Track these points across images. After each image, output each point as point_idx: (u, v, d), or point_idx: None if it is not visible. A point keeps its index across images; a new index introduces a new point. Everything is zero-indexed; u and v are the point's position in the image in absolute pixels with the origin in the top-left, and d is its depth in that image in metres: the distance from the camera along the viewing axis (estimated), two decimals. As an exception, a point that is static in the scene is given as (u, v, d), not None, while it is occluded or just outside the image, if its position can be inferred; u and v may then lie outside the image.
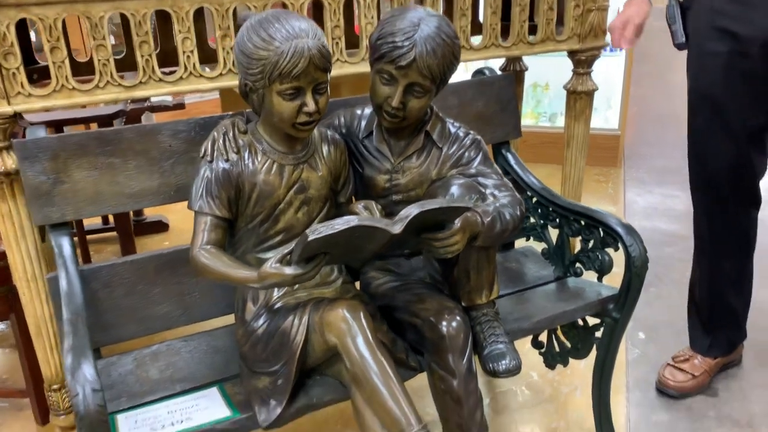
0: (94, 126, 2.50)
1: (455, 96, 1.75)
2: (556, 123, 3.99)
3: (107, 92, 1.63)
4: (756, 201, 1.84)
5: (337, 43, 1.68)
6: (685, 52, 1.82)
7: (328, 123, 1.48)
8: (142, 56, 1.53)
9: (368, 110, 1.48)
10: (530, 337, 1.89)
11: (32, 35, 2.04)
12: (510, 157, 1.84)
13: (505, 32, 1.89)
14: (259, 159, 1.32)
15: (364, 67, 1.66)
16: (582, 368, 2.10)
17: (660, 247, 2.95)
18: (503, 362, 1.35)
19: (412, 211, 1.14)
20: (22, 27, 1.58)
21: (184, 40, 1.55)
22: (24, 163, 1.37)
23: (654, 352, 2.20)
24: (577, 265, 1.71)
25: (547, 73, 3.86)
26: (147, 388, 1.39)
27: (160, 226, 3.20)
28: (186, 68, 1.57)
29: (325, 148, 1.40)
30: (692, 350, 2.02)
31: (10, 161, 1.58)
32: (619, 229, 1.54)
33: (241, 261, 1.32)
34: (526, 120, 3.94)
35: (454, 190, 1.35)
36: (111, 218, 2.97)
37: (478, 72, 1.88)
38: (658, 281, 2.65)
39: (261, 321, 1.33)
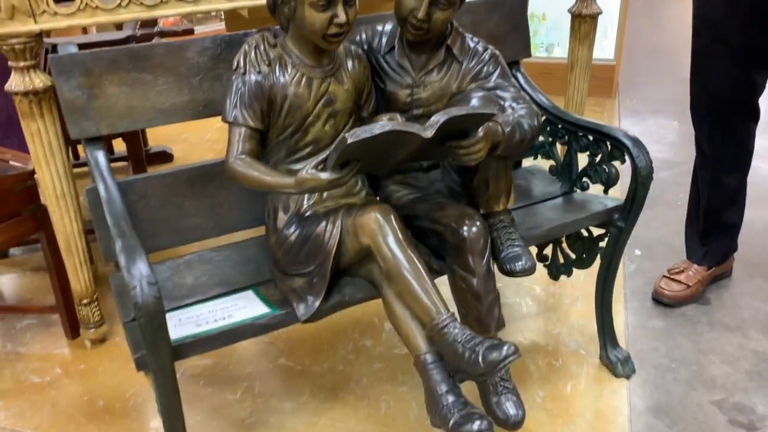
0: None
1: (468, 15, 1.79)
2: (552, 54, 4.03)
3: (129, 11, 1.67)
4: (755, 115, 1.94)
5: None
6: None
7: (350, 39, 1.53)
8: (165, -25, 1.56)
9: (389, 26, 1.53)
10: (535, 252, 1.99)
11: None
12: (519, 76, 1.90)
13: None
14: (289, 71, 1.38)
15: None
16: (582, 281, 2.22)
17: (654, 173, 3.04)
18: (519, 263, 1.45)
19: (442, 116, 1.21)
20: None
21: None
22: (59, 78, 1.41)
23: (649, 266, 2.32)
24: (584, 179, 1.80)
25: (543, 3, 3.87)
26: (185, 293, 1.47)
27: (165, 156, 3.24)
28: (208, -13, 1.61)
29: (349, 63, 1.45)
30: (688, 261, 2.15)
31: (38, 80, 1.63)
32: (627, 142, 1.62)
33: None
34: (523, 51, 3.97)
35: (474, 102, 1.42)
36: (116, 149, 3.01)
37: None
38: (653, 203, 2.76)
39: (293, 228, 1.42)
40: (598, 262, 1.80)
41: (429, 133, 1.20)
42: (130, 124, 1.50)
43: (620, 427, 1.65)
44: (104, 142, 1.51)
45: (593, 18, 2.20)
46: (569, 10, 2.24)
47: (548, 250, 1.96)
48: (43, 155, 1.70)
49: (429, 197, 1.54)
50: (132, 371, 1.87)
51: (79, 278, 1.88)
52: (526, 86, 1.88)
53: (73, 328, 2.00)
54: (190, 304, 1.43)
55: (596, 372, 1.84)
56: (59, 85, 1.42)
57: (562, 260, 1.92)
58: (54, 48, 1.55)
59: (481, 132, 1.31)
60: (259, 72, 1.36)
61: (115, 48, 1.45)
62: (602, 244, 1.77)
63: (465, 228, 1.39)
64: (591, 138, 1.73)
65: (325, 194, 1.45)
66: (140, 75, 1.48)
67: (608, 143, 1.69)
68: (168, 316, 1.38)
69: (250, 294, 1.46)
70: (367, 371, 1.86)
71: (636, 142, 1.63)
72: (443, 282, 1.49)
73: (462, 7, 1.64)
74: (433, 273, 1.47)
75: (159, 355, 1.19)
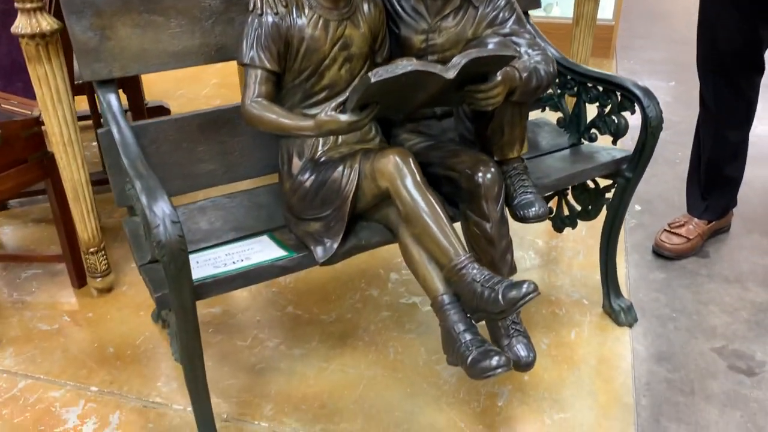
0: None
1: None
2: (551, 14, 4.00)
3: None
4: (761, 69, 1.95)
5: None
6: None
7: (365, -17, 1.51)
8: None
9: (404, -29, 1.51)
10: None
11: None
12: (529, 28, 1.89)
13: None
14: (306, 13, 1.36)
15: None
16: (583, 235, 2.25)
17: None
18: (532, 209, 1.47)
19: (464, 58, 1.21)
20: None
21: None
22: (71, 18, 1.39)
23: (649, 221, 2.36)
24: (592, 131, 1.81)
25: (543, -40, 3.83)
26: (200, 237, 1.47)
27: (162, 111, 3.19)
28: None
29: (365, 6, 1.44)
30: (688, 215, 2.18)
31: (44, 22, 1.60)
32: (638, 92, 1.63)
33: None
34: (522, 9, 3.95)
35: (492, 47, 1.41)
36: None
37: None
38: (653, 161, 2.71)
39: (308, 174, 1.42)
40: (601, 215, 1.82)
41: (451, 74, 1.20)
42: (142, 67, 1.48)
43: (624, 373, 1.69)
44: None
45: (600, -29, 2.19)
46: (576, -37, 2.22)
47: (553, 203, 1.98)
48: (50, 100, 1.68)
49: (442, 145, 1.55)
50: (141, 319, 1.90)
51: (86, 226, 1.87)
52: (536, 37, 1.87)
53: (79, 277, 2.00)
54: (207, 248, 1.43)
55: (599, 321, 1.88)
56: (71, 25, 1.39)
57: (567, 212, 1.94)
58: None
59: (499, 76, 1.31)
60: (276, 13, 1.34)
61: (126, -12, 1.43)
62: (608, 195, 1.80)
63: (480, 174, 1.40)
64: (601, 89, 1.74)
65: (339, 140, 1.45)
66: (152, 17, 1.46)
67: (618, 94, 1.70)
68: (185, 258, 1.40)
69: (265, 239, 1.46)
70: (375, 319, 1.88)
71: (646, 92, 1.64)
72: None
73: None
74: (447, 219, 1.49)
75: (181, 294, 1.19)
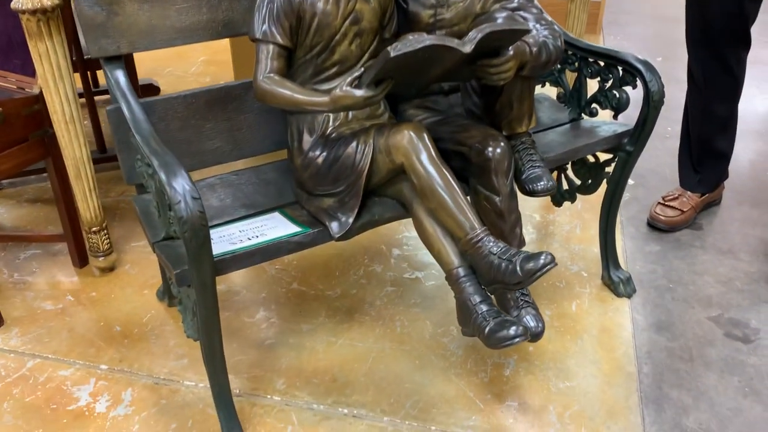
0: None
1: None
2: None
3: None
4: (747, 43, 2.00)
5: None
6: None
7: (373, -43, 1.51)
8: None
9: (412, -55, 1.51)
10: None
11: None
12: (536, 2, 1.90)
13: None
14: (318, -13, 1.36)
15: None
16: (579, 209, 2.29)
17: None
18: (540, 183, 1.49)
19: (480, 32, 1.22)
20: None
21: None
22: (77, -7, 1.37)
23: (643, 194, 2.40)
24: (593, 105, 1.83)
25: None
26: (212, 214, 1.47)
27: (152, 89, 3.16)
28: None
29: (374, -19, 1.44)
30: (682, 188, 2.23)
31: (45, -2, 1.57)
32: (640, 66, 1.66)
33: None
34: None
35: (501, 22, 1.42)
36: (101, 82, 2.93)
37: None
38: None
39: (319, 150, 1.42)
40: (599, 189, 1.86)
41: (468, 48, 1.21)
42: (150, 44, 1.47)
43: (625, 342, 1.74)
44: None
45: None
46: (572, -62, 2.23)
47: (553, 176, 2.00)
48: (51, 77, 1.65)
49: (451, 120, 1.56)
50: (146, 297, 1.90)
51: (88, 205, 1.86)
52: (537, 12, 1.89)
53: (81, 257, 1.99)
54: (219, 224, 1.44)
55: (599, 292, 1.92)
56: (77, 0, 1.38)
57: (566, 186, 1.97)
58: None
59: (511, 51, 1.32)
60: (288, -13, 1.34)
61: (133, -38, 1.41)
62: (608, 169, 1.83)
63: (490, 149, 1.42)
64: (602, 63, 1.76)
65: (350, 116, 1.45)
66: (159, -8, 1.44)
67: (620, 68, 1.72)
68: (199, 235, 1.40)
69: (277, 215, 1.47)
70: (380, 294, 1.91)
71: (648, 65, 1.66)
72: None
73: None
74: (457, 193, 1.51)
75: (202, 270, 1.20)
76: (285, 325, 1.79)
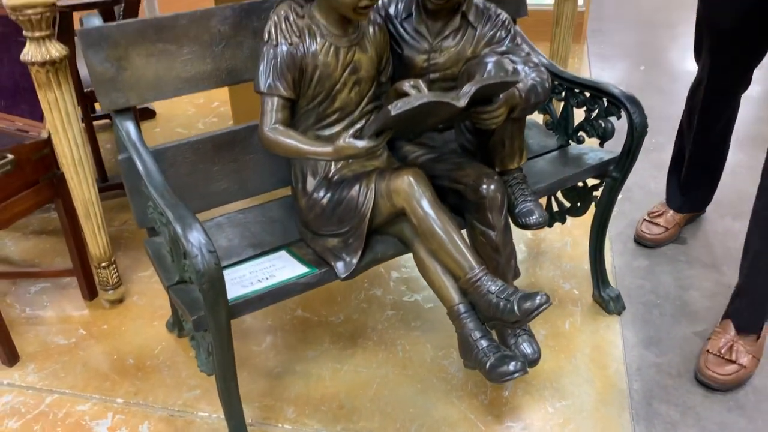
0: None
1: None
2: None
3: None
4: (746, 84, 2.03)
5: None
6: None
7: (369, 7, 1.58)
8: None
9: (404, -7, 1.59)
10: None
11: None
12: (524, 46, 1.97)
13: None
14: (318, 41, 1.43)
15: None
16: (569, 227, 2.37)
17: (627, 118, 3.21)
18: (533, 217, 1.58)
19: (473, 86, 1.30)
20: None
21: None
22: (89, 51, 1.43)
23: (629, 208, 2.50)
24: (580, 133, 1.92)
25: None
26: (221, 254, 1.54)
27: (148, 113, 3.22)
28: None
29: (371, 30, 1.51)
30: (667, 206, 2.32)
31: (54, 50, 1.64)
32: (624, 99, 1.74)
33: None
34: None
35: (490, 67, 1.50)
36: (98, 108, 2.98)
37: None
38: None
39: (323, 192, 1.50)
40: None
41: (463, 102, 1.29)
42: (157, 95, 1.53)
43: (616, 360, 1.83)
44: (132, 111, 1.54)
45: (579, -27, 2.28)
46: (556, -34, 2.31)
47: (543, 200, 2.09)
48: (60, 124, 1.72)
49: (446, 157, 1.64)
50: (156, 328, 1.97)
51: (97, 242, 1.92)
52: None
53: (90, 290, 2.05)
54: (229, 266, 1.51)
55: (590, 309, 2.01)
56: (88, 57, 1.44)
57: (556, 208, 2.06)
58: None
59: (502, 97, 1.40)
60: (291, 43, 1.41)
61: (140, 19, 1.47)
62: (596, 193, 1.91)
63: (484, 186, 1.50)
64: (588, 94, 1.85)
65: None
66: (165, 46, 1.51)
67: (605, 99, 1.81)
68: (211, 278, 1.47)
69: (284, 254, 1.54)
70: (381, 318, 1.99)
71: (632, 99, 1.75)
72: (462, 236, 1.61)
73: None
74: (454, 228, 1.59)
75: (218, 316, 1.28)
76: (291, 353, 1.87)
